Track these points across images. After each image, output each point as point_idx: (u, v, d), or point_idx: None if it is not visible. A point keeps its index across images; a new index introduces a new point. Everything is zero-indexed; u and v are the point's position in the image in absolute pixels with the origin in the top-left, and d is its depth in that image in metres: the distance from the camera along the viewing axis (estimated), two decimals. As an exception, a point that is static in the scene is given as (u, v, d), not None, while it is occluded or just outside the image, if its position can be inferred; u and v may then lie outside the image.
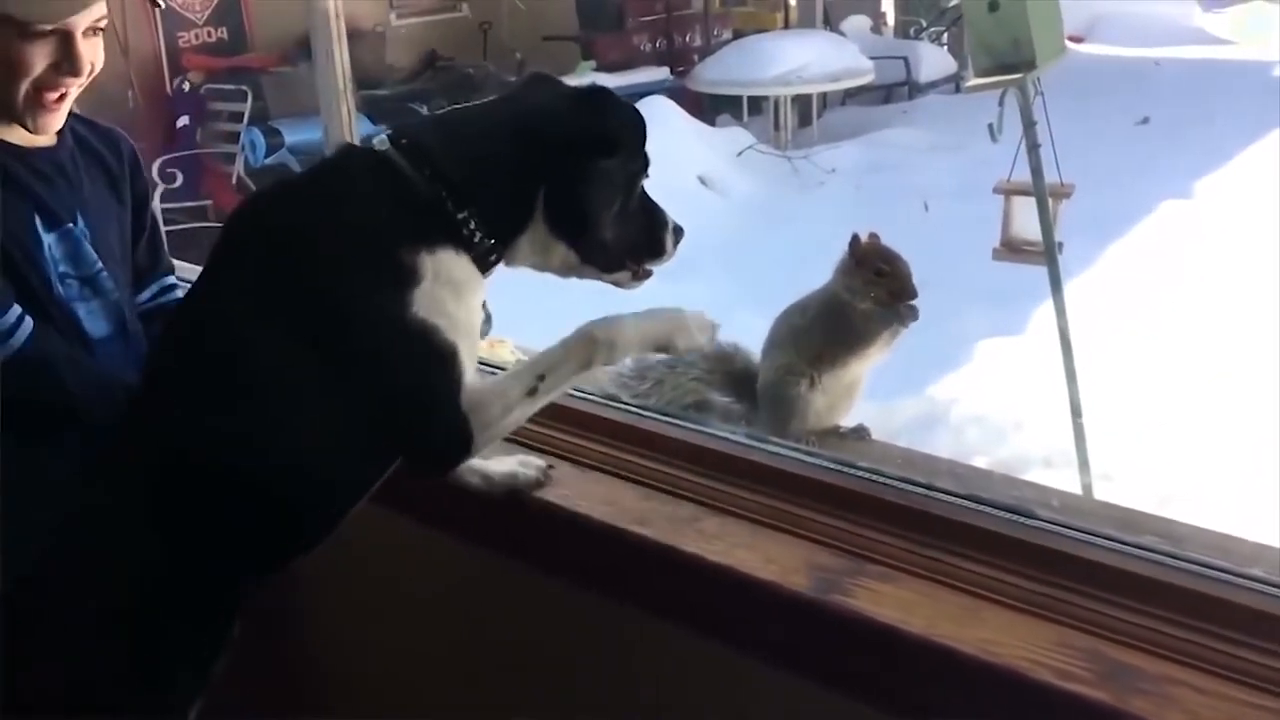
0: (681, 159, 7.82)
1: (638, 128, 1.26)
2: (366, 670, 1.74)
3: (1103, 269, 6.15)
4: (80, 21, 1.40)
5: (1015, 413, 4.64)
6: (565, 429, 1.51)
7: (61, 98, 1.46)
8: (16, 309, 1.40)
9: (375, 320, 1.16)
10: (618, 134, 1.24)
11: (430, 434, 1.21)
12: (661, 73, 9.72)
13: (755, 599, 1.22)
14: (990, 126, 3.42)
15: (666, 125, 8.05)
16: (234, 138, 7.92)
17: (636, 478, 1.43)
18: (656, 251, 1.32)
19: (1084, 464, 3.84)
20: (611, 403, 1.57)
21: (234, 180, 7.92)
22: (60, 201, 1.51)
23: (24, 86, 1.41)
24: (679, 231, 1.33)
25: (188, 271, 1.66)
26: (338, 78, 7.25)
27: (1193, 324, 5.26)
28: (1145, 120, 8.89)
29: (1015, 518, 1.23)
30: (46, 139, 1.52)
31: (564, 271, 1.29)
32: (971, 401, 4.79)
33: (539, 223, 1.24)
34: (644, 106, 7.68)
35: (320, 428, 1.20)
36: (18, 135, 1.49)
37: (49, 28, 1.38)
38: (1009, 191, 3.87)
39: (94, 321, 1.53)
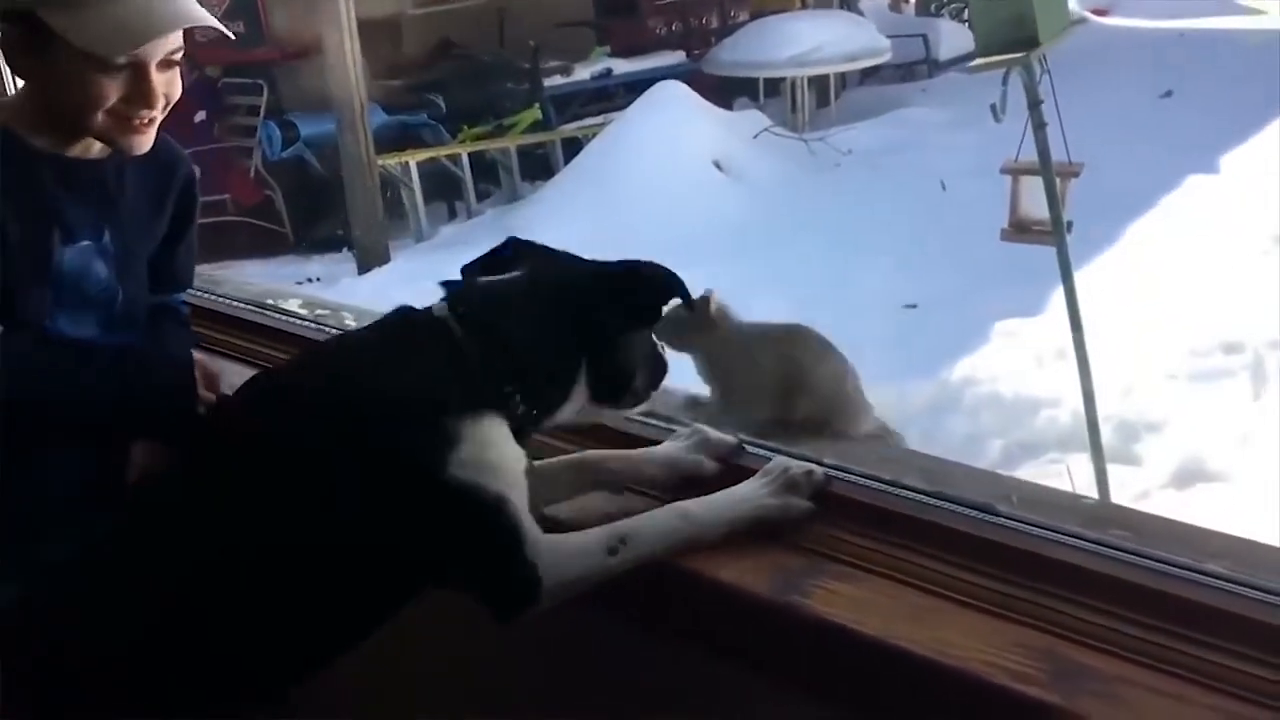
0: (696, 144, 7.80)
1: (676, 288, 1.29)
2: None
3: (1124, 246, 6.08)
4: (154, 53, 1.40)
5: (1030, 395, 4.60)
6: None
7: (149, 122, 1.45)
8: None
9: (414, 483, 1.17)
10: (658, 304, 1.30)
11: (489, 582, 1.19)
12: (677, 57, 9.67)
13: (714, 600, 1.21)
14: (993, 107, 3.38)
15: (680, 110, 8.04)
16: (251, 131, 7.97)
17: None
18: (661, 373, 1.39)
19: (1096, 446, 3.81)
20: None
21: (251, 173, 7.97)
22: (88, 217, 1.51)
23: (98, 116, 1.42)
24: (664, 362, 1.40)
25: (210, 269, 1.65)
26: (349, 69, 7.34)
27: (1217, 302, 5.19)
28: (1169, 94, 8.77)
29: (977, 514, 1.21)
30: (97, 151, 1.51)
31: (594, 419, 1.38)
32: (986, 384, 4.76)
33: (580, 392, 1.29)
34: (656, 91, 7.68)
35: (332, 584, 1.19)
36: (64, 147, 1.49)
37: (123, 61, 1.38)
38: (1016, 171, 3.84)
39: (79, 326, 1.52)
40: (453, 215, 8.43)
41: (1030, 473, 4.14)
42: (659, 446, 1.37)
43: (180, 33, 1.43)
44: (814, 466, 1.30)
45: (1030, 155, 3.65)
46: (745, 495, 1.28)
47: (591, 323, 1.27)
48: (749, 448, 1.40)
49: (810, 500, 1.27)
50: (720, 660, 1.25)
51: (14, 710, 1.18)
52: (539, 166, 8.76)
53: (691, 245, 6.63)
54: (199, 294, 2.08)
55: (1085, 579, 1.12)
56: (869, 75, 10.46)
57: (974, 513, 1.22)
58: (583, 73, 9.21)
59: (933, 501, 1.25)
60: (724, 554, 1.24)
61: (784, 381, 1.63)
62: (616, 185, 7.36)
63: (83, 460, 1.53)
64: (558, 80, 9.00)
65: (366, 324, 1.33)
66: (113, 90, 1.40)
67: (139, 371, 1.53)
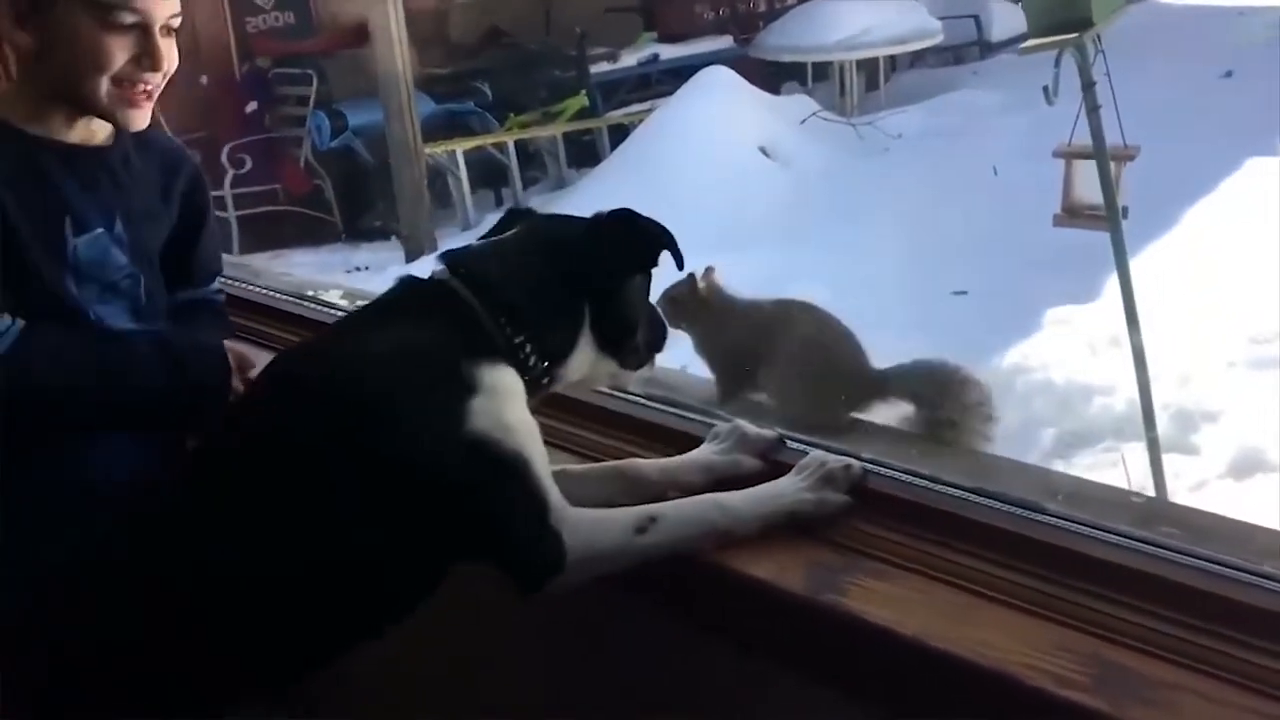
0: (742, 130, 7.73)
1: (650, 235, 1.30)
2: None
3: (1181, 231, 5.93)
4: (158, 14, 1.43)
5: (1084, 383, 4.51)
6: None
7: (146, 94, 1.48)
8: (5, 319, 1.40)
9: (432, 437, 1.16)
10: (651, 251, 1.31)
11: (514, 546, 1.17)
12: (724, 41, 9.59)
13: (749, 596, 1.18)
14: (1045, 89, 3.30)
15: (727, 96, 7.97)
16: (301, 121, 8.03)
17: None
18: (662, 337, 1.41)
19: (1152, 436, 3.72)
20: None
21: (301, 163, 8.04)
22: (98, 205, 1.51)
23: (105, 81, 1.43)
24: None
25: (256, 260, 1.66)
26: (396, 59, 7.36)
27: (1278, 288, 5.05)
28: (1228, 74, 8.54)
29: (1021, 512, 1.18)
30: (101, 138, 1.53)
31: (603, 382, 1.40)
32: (1038, 371, 4.67)
33: (586, 341, 1.30)
34: (703, 77, 7.62)
35: (359, 556, 1.17)
36: (69, 134, 1.50)
37: (129, 20, 1.41)
38: (1069, 155, 3.74)
39: (114, 318, 1.53)
40: (499, 203, 8.43)
41: (1084, 462, 4.07)
42: (696, 452, 1.35)
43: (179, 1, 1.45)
44: (851, 460, 1.28)
45: (1084, 139, 3.56)
46: (781, 490, 1.25)
47: (589, 269, 1.28)
48: (788, 442, 1.38)
49: (847, 494, 1.25)
50: (751, 656, 1.23)
51: (16, 710, 1.18)
52: (585, 153, 8.74)
53: (738, 232, 6.59)
54: (239, 284, 2.09)
55: (1134, 579, 1.08)
56: (919, 58, 10.29)
57: (1017, 510, 1.19)
58: (629, 59, 9.17)
59: (974, 498, 1.22)
60: (757, 548, 1.22)
61: (774, 352, 1.63)
62: (662, 172, 7.31)
63: (131, 448, 1.56)
64: (604, 67, 8.97)
65: (381, 296, 1.33)
66: (120, 51, 1.41)
67: (175, 363, 1.53)
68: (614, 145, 8.40)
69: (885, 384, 1.67)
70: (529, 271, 1.27)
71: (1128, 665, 1.01)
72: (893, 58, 9.66)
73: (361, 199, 8.14)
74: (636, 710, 1.36)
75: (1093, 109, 3.43)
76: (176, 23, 1.47)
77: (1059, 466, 4.09)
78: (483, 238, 1.38)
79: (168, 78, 1.48)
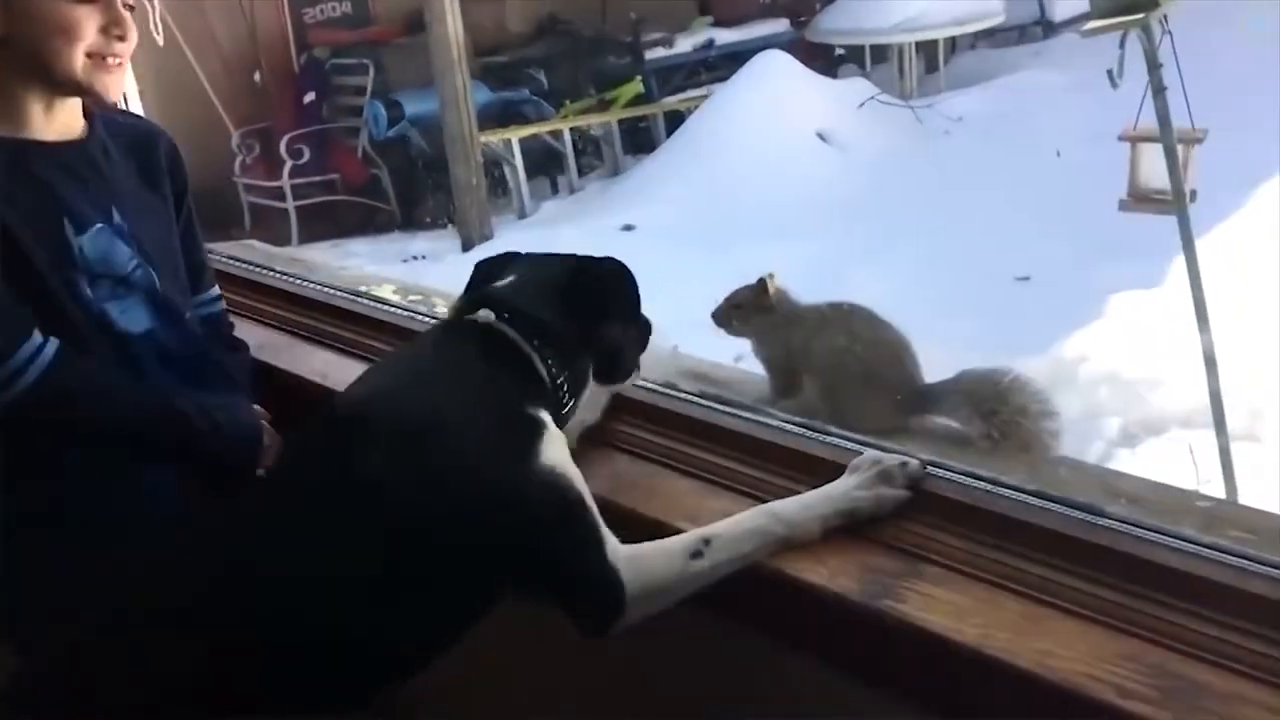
0: (799, 115, 7.67)
1: (628, 279, 1.41)
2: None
3: (1250, 215, 5.78)
4: None
5: (1150, 370, 4.41)
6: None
7: (120, 64, 1.51)
8: (37, 338, 1.41)
9: (514, 473, 1.17)
10: (626, 295, 1.41)
11: (577, 587, 1.17)
12: (780, 25, 9.48)
13: (804, 602, 1.17)
14: (1109, 72, 3.22)
15: (783, 80, 7.91)
16: (358, 111, 8.08)
17: (691, 470, 1.38)
18: (645, 343, 1.47)
19: (1220, 424, 3.63)
20: (660, 389, 1.52)
21: (359, 153, 8.10)
22: (91, 200, 1.52)
23: (79, 54, 1.46)
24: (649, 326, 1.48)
25: (314, 251, 1.68)
26: (451, 47, 7.38)
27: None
28: (1302, 51, 8.29)
29: (1083, 515, 1.14)
30: (78, 131, 1.55)
31: (599, 403, 1.44)
32: (1102, 359, 4.58)
33: (591, 376, 1.36)
34: (759, 61, 7.55)
35: (433, 589, 1.17)
36: (49, 131, 1.52)
37: None
38: (1135, 138, 3.66)
39: (129, 317, 1.53)
40: (555, 191, 8.45)
41: (1151, 451, 3.98)
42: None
43: None
44: (908, 458, 1.26)
45: (1150, 121, 3.47)
46: (837, 491, 1.24)
47: (587, 310, 1.34)
48: (848, 443, 1.35)
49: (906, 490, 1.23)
50: (805, 661, 1.21)
51: None
52: (641, 140, 8.72)
53: (795, 218, 6.54)
54: (293, 280, 2.11)
55: (1201, 587, 1.05)
56: (980, 39, 10.12)
57: (1079, 513, 1.16)
58: (684, 44, 9.11)
59: (1035, 501, 1.19)
60: (812, 552, 1.20)
61: (822, 355, 1.63)
62: (718, 158, 7.28)
63: (166, 479, 1.55)
64: (659, 52, 8.93)
65: (422, 339, 1.38)
66: (89, 21, 1.46)
67: (218, 432, 1.55)
68: (669, 131, 8.37)
69: (934, 396, 1.64)
70: (556, 312, 1.31)
71: (1196, 677, 0.98)
72: (953, 39, 9.50)
73: (418, 188, 8.19)
74: (690, 716, 1.36)
75: (1159, 91, 3.33)
76: (133, 1, 1.52)
77: (1124, 456, 4.01)
78: (474, 279, 1.41)
79: (131, 49, 1.53)
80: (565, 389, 1.28)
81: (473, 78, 7.67)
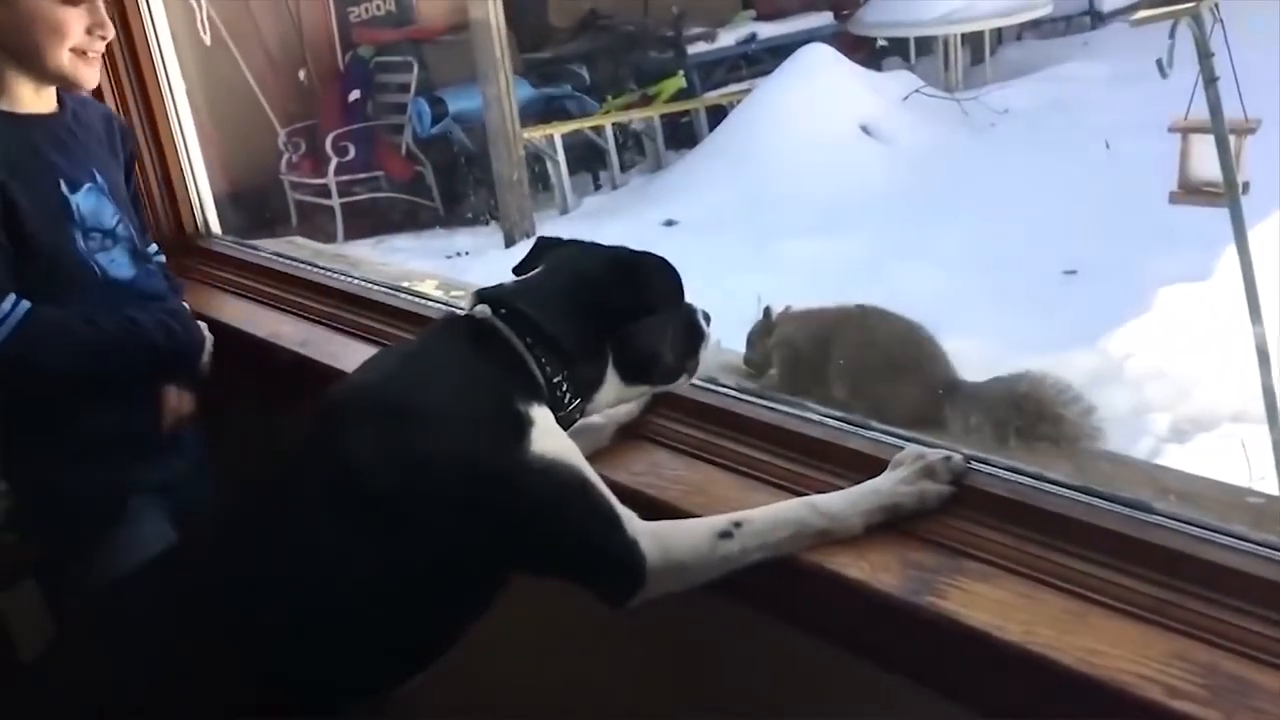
0: (843, 108, 7.61)
1: (671, 278, 1.35)
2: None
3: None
4: None
5: (1201, 365, 4.34)
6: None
7: (98, 57, 1.72)
8: (10, 299, 1.59)
9: (504, 464, 1.18)
10: (658, 295, 1.34)
11: (595, 560, 1.19)
12: (824, 18, 9.42)
13: (845, 597, 1.16)
14: (1159, 62, 3.17)
15: (826, 74, 7.84)
16: (402, 108, 8.12)
17: (732, 465, 1.38)
18: (699, 343, 1.41)
19: (1273, 418, 3.56)
20: (706, 385, 1.51)
21: (403, 150, 8.14)
22: (77, 163, 1.75)
23: (66, 49, 1.65)
24: (707, 316, 1.43)
25: (358, 247, 1.75)
26: (494, 44, 7.40)
27: None
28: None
29: (1130, 511, 1.12)
30: (54, 105, 1.75)
31: (637, 398, 1.44)
32: (1151, 354, 4.50)
33: (613, 375, 1.33)
34: (802, 55, 7.48)
35: (431, 580, 1.19)
36: (39, 106, 1.72)
37: None
38: (1186, 129, 3.60)
39: (117, 267, 1.76)
40: (597, 186, 8.46)
41: (1202, 447, 3.91)
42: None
43: None
44: (951, 452, 1.24)
45: (1201, 112, 3.42)
46: (879, 486, 1.23)
47: (607, 309, 1.31)
48: (890, 438, 1.34)
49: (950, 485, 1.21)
50: (846, 656, 1.20)
51: None
52: (683, 135, 8.70)
53: (838, 212, 6.49)
54: (337, 276, 2.12)
55: (1253, 584, 1.03)
56: (1026, 30, 9.99)
57: (1126, 509, 1.14)
58: (727, 38, 9.08)
59: (1081, 497, 1.17)
60: (853, 547, 1.19)
61: (836, 352, 1.65)
62: (761, 152, 7.24)
63: (130, 405, 1.77)
64: (701, 47, 8.90)
65: (423, 332, 1.39)
66: (78, 22, 1.65)
67: (185, 329, 1.82)
68: (711, 126, 8.35)
69: (965, 395, 1.62)
70: (561, 311, 1.29)
71: (1246, 676, 0.96)
72: (998, 30, 9.39)
73: (461, 185, 8.22)
74: (732, 713, 1.35)
75: (1210, 81, 3.28)
76: None
77: (1173, 452, 3.95)
78: (516, 269, 1.41)
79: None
80: (565, 388, 1.27)
81: (515, 74, 7.69)
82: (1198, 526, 1.09)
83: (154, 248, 1.96)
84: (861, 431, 1.36)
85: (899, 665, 1.16)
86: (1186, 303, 4.75)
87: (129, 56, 2.35)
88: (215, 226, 2.53)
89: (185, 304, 1.93)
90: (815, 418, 1.40)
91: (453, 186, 8.23)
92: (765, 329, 1.80)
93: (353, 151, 7.96)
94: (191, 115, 2.49)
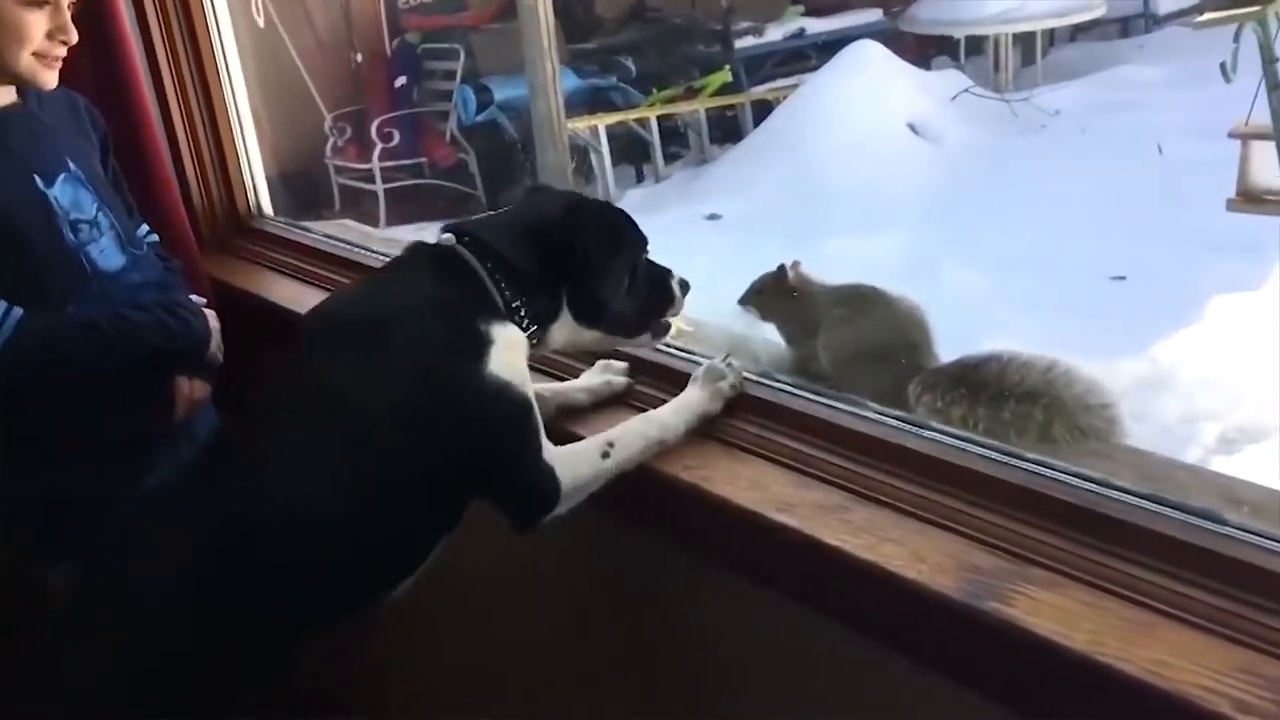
0: (890, 106, 7.54)
1: (619, 228, 1.44)
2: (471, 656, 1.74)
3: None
4: None
5: (1252, 374, 4.26)
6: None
7: (59, 60, 1.67)
8: (2, 305, 1.57)
9: (459, 380, 1.29)
10: (607, 238, 1.42)
11: (519, 484, 1.32)
12: (873, 15, 9.33)
13: (901, 600, 1.14)
14: (1223, 65, 3.11)
15: (874, 71, 7.78)
16: (447, 96, 8.14)
17: (786, 461, 1.36)
18: (666, 306, 1.49)
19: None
20: (763, 380, 1.50)
21: (447, 137, 8.16)
22: (49, 154, 1.69)
23: (27, 53, 1.61)
24: (685, 285, 1.50)
25: (401, 232, 1.78)
26: (541, 33, 7.41)
27: None
28: None
29: (1200, 522, 1.10)
30: (7, 99, 1.69)
31: (594, 346, 1.52)
32: (1202, 362, 4.43)
33: (566, 314, 1.42)
34: (850, 51, 7.41)
35: (397, 491, 1.29)
36: (3, 98, 1.66)
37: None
38: (1246, 135, 3.54)
39: (106, 258, 1.71)
40: (640, 179, 8.44)
41: (1251, 459, 3.85)
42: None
43: None
44: (731, 360, 1.48)
45: (1263, 118, 3.35)
46: (688, 399, 1.45)
47: (559, 244, 1.38)
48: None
49: (735, 384, 1.46)
50: (901, 658, 1.18)
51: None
52: (729, 129, 8.65)
53: (884, 211, 6.44)
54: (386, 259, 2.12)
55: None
56: (1081, 31, 9.86)
57: (1196, 519, 1.11)
58: (775, 33, 9.02)
59: (1149, 505, 1.14)
60: (909, 548, 1.17)
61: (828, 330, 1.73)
62: (806, 148, 7.19)
63: (131, 405, 1.72)
64: (749, 41, 8.85)
65: (392, 259, 1.47)
66: (39, 26, 1.60)
67: (184, 324, 1.76)
68: (757, 121, 8.30)
69: (932, 377, 1.58)
70: (520, 242, 1.38)
71: (1320, 694, 0.93)
72: (1051, 31, 9.27)
73: (505, 173, 8.22)
74: (792, 714, 1.34)
75: (1274, 87, 3.22)
76: None
77: (1222, 463, 3.88)
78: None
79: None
80: (523, 313, 1.36)
81: (562, 64, 7.68)
82: (1266, 538, 1.06)
83: (144, 229, 1.89)
84: (917, 430, 1.34)
85: (954, 671, 1.14)
86: (1239, 312, 4.67)
87: (188, 36, 2.36)
88: (268, 207, 2.55)
89: (184, 286, 1.89)
90: (873, 416, 1.38)
91: (496, 175, 8.24)
92: (776, 282, 1.81)
93: (397, 137, 7.98)
94: (246, 97, 2.50)
